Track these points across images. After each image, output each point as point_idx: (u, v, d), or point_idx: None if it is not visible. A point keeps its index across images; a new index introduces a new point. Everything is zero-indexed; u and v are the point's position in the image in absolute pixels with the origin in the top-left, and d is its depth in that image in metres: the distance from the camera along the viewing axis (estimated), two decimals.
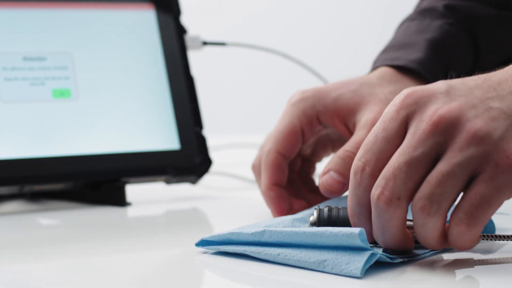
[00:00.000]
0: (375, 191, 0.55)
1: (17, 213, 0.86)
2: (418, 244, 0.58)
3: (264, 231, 0.58)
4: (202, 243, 0.61)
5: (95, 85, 0.91)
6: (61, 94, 0.90)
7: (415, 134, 0.55)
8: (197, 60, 1.33)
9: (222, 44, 1.04)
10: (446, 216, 0.55)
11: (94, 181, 0.89)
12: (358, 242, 0.53)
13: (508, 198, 0.55)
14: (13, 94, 0.88)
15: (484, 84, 0.57)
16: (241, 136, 1.41)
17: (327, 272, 0.54)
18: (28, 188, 0.86)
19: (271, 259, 0.57)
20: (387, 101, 0.75)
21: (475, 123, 0.54)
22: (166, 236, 0.72)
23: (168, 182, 0.93)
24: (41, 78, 0.90)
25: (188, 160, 0.93)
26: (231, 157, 1.31)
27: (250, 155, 1.34)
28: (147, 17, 0.96)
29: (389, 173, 0.54)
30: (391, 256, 0.56)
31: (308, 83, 1.08)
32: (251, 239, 0.58)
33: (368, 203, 0.56)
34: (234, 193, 1.00)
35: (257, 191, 0.99)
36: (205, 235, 0.61)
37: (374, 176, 0.56)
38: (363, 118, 0.75)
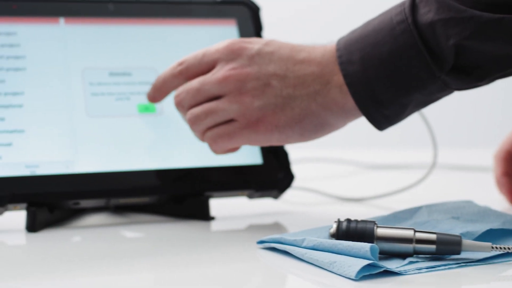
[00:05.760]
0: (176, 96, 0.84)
1: (101, 226, 0.87)
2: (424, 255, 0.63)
3: (304, 238, 0.66)
4: (261, 242, 0.71)
5: None
6: (146, 109, 0.91)
7: (212, 76, 0.80)
8: None
9: None
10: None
11: (178, 195, 0.90)
12: (368, 255, 0.60)
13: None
14: (99, 108, 0.89)
15: (289, 61, 0.78)
16: (322, 150, 1.41)
17: (335, 272, 0.60)
18: (114, 201, 0.88)
19: (299, 256, 0.66)
20: None
21: (247, 95, 0.78)
22: (249, 250, 0.72)
23: (250, 196, 0.93)
24: (127, 93, 0.91)
25: (271, 175, 0.93)
26: (313, 171, 1.31)
27: (330, 169, 1.34)
28: (229, 32, 0.97)
29: (185, 87, 0.82)
30: (403, 270, 0.60)
31: None
32: (294, 243, 0.67)
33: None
34: (315, 208, 1.00)
35: (338, 205, 1.00)
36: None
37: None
38: None
